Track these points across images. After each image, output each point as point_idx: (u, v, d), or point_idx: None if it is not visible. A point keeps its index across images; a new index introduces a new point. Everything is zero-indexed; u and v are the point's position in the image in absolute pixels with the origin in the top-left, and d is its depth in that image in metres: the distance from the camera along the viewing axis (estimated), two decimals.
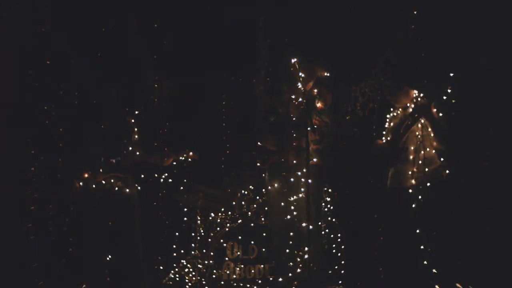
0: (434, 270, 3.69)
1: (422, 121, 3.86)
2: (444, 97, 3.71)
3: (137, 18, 4.96)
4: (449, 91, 3.69)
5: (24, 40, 4.31)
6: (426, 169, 3.86)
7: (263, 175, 4.57)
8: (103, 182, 4.07)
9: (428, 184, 3.82)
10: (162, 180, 4.84)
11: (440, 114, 3.81)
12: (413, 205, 3.80)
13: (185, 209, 5.07)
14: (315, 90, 4.23)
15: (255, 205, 5.23)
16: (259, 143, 4.43)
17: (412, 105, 3.99)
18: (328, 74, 4.28)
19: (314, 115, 4.25)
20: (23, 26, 4.31)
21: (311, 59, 4.12)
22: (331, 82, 4.38)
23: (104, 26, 4.69)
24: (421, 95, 3.92)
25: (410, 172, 3.90)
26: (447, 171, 3.86)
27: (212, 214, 5.26)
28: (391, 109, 4.23)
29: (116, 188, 4.09)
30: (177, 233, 5.09)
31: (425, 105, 3.81)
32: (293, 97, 4.19)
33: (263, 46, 4.99)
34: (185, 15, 5.31)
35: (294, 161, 4.21)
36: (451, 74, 3.68)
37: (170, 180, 4.87)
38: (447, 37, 4.23)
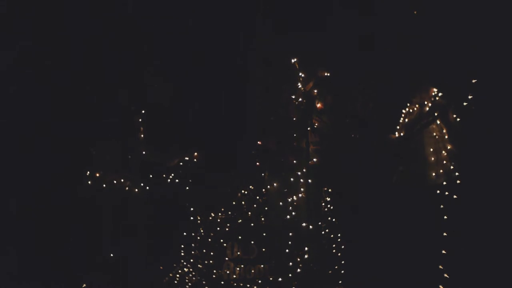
0: (444, 272, 3.68)
1: (438, 122, 3.87)
2: (465, 103, 3.69)
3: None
4: (470, 97, 3.66)
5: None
6: (437, 170, 3.87)
7: (263, 175, 4.58)
8: (115, 181, 4.08)
9: (437, 184, 3.82)
10: (169, 180, 4.84)
11: (458, 119, 3.80)
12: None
13: (192, 209, 5.07)
14: (315, 90, 4.22)
15: (255, 205, 5.23)
16: (259, 142, 4.43)
17: (430, 104, 3.97)
18: (328, 74, 4.28)
19: (314, 115, 4.25)
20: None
21: (311, 59, 4.12)
22: (331, 82, 4.37)
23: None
24: (440, 94, 3.90)
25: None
26: (457, 173, 3.85)
27: (212, 214, 5.26)
28: (408, 105, 4.20)
29: (127, 188, 4.10)
30: (177, 233, 5.08)
31: (443, 107, 3.80)
32: (293, 97, 4.20)
33: (261, 46, 4.99)
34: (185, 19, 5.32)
35: (294, 161, 4.21)
36: (474, 81, 3.66)
37: (177, 181, 4.88)
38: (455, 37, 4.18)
